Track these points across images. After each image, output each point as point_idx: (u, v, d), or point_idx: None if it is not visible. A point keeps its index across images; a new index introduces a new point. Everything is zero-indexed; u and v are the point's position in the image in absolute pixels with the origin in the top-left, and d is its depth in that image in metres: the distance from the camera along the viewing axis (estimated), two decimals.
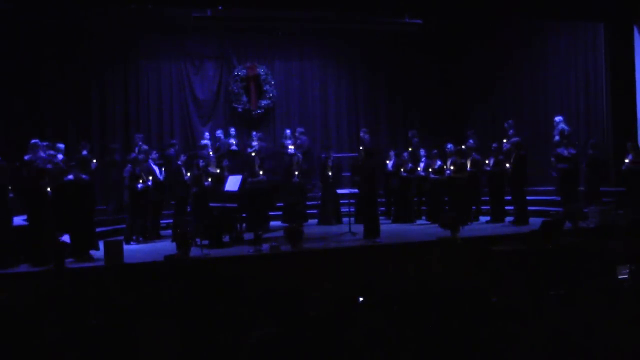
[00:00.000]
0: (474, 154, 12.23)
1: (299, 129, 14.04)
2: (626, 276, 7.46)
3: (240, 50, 15.06)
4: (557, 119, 12.11)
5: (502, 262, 7.77)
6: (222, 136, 13.68)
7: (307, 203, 13.14)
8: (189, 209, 11.31)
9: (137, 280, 7.73)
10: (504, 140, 12.37)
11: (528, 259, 7.62)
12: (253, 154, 12.80)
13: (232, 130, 13.94)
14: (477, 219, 12.19)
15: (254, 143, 13.36)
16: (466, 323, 4.57)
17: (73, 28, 13.07)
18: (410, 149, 13.44)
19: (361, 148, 11.83)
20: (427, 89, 15.72)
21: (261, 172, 11.92)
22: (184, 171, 11.48)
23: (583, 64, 12.94)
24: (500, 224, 11.51)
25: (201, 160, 11.47)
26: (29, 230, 8.64)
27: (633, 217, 9.95)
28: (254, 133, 13.84)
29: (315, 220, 12.90)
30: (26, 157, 10.20)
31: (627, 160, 10.81)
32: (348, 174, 13.82)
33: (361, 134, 13.71)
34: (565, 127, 11.85)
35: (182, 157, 12.04)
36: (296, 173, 12.37)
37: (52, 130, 12.79)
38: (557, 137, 11.76)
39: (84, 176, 9.32)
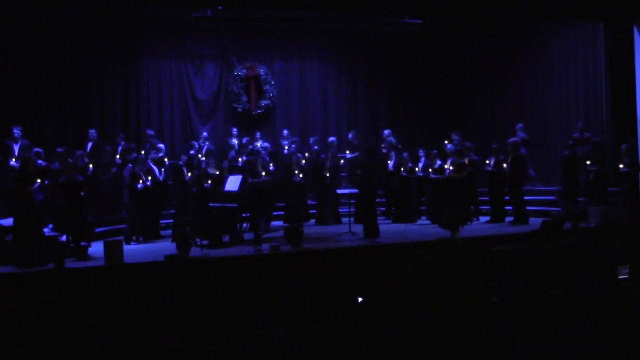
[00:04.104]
0: (471, 154, 12.22)
1: (313, 138, 14.02)
2: (626, 276, 7.47)
3: (240, 50, 15.06)
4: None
5: (502, 262, 7.77)
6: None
7: (309, 203, 13.13)
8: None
9: (137, 280, 7.74)
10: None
11: (528, 259, 7.63)
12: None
13: (235, 131, 13.96)
14: (478, 219, 12.19)
15: (257, 143, 13.44)
16: (466, 323, 4.57)
17: (73, 28, 13.05)
18: (383, 146, 13.37)
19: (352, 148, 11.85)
20: (427, 89, 15.71)
21: (263, 173, 11.90)
22: (185, 171, 11.48)
23: (583, 64, 12.93)
24: (500, 224, 11.50)
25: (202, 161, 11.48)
26: (15, 231, 8.63)
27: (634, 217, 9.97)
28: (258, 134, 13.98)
29: (313, 221, 12.88)
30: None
31: (621, 165, 10.78)
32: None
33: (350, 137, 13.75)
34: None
35: (183, 157, 12.05)
36: (296, 172, 12.36)
37: (52, 131, 12.78)
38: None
39: (79, 177, 9.37)
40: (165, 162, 11.98)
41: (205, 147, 13.15)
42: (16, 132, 10.90)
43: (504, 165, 11.45)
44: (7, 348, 4.94)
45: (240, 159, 12.72)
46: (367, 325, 4.65)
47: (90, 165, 11.32)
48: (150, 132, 13.27)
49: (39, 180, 8.94)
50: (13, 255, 8.40)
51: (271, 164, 12.38)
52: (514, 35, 14.36)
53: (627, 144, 11.00)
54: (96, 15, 12.88)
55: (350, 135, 13.88)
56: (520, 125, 12.98)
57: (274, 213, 12.44)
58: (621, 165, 10.76)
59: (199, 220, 9.88)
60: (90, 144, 12.16)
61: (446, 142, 13.06)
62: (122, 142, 12.69)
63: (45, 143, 11.82)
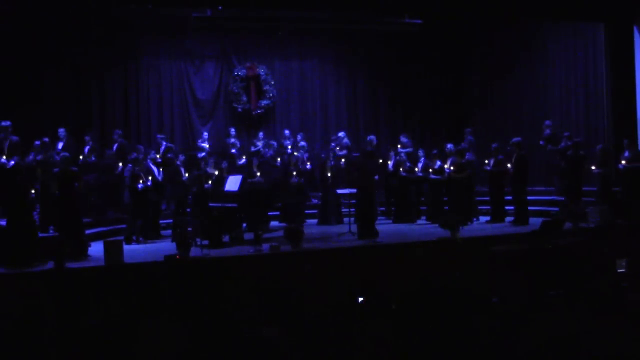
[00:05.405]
0: (467, 154, 12.21)
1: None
2: (624, 269, 7.48)
3: (240, 50, 15.05)
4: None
5: (502, 262, 7.77)
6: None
7: (307, 203, 13.12)
8: (188, 209, 11.31)
9: (137, 280, 7.74)
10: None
11: (528, 259, 7.63)
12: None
13: (233, 131, 13.97)
14: (478, 219, 12.18)
15: (258, 143, 13.46)
16: (466, 323, 4.57)
17: (73, 28, 13.05)
18: (337, 148, 13.30)
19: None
20: (427, 89, 15.71)
21: (258, 174, 11.89)
22: (182, 171, 11.48)
23: (583, 64, 12.93)
24: (500, 224, 11.50)
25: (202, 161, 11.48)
26: (7, 232, 8.60)
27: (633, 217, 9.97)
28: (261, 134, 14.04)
29: (315, 220, 12.88)
30: (29, 159, 10.22)
31: (623, 162, 10.77)
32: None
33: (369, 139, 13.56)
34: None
35: (181, 157, 12.04)
36: (294, 173, 12.35)
37: (52, 130, 12.76)
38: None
39: (73, 168, 9.41)
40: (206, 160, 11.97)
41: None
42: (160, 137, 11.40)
43: (509, 165, 11.45)
44: (7, 348, 4.94)
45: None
46: (367, 325, 4.65)
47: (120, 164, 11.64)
48: (119, 132, 12.76)
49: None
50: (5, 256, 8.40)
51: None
52: (514, 36, 14.36)
53: (602, 145, 11.07)
54: (96, 15, 12.87)
55: (341, 134, 13.62)
56: (468, 129, 13.34)
57: (272, 213, 12.44)
58: (593, 167, 10.80)
59: (199, 220, 9.88)
60: (60, 144, 11.79)
61: (399, 146, 13.16)
62: (90, 143, 12.27)
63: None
